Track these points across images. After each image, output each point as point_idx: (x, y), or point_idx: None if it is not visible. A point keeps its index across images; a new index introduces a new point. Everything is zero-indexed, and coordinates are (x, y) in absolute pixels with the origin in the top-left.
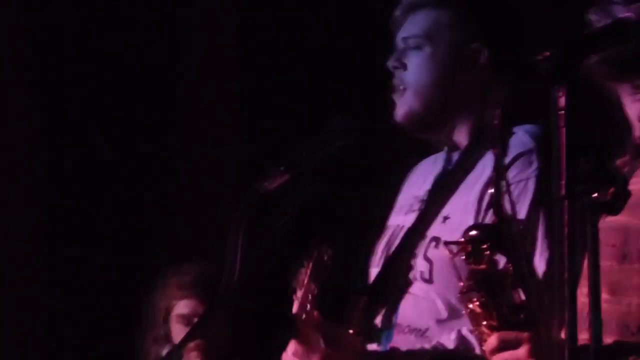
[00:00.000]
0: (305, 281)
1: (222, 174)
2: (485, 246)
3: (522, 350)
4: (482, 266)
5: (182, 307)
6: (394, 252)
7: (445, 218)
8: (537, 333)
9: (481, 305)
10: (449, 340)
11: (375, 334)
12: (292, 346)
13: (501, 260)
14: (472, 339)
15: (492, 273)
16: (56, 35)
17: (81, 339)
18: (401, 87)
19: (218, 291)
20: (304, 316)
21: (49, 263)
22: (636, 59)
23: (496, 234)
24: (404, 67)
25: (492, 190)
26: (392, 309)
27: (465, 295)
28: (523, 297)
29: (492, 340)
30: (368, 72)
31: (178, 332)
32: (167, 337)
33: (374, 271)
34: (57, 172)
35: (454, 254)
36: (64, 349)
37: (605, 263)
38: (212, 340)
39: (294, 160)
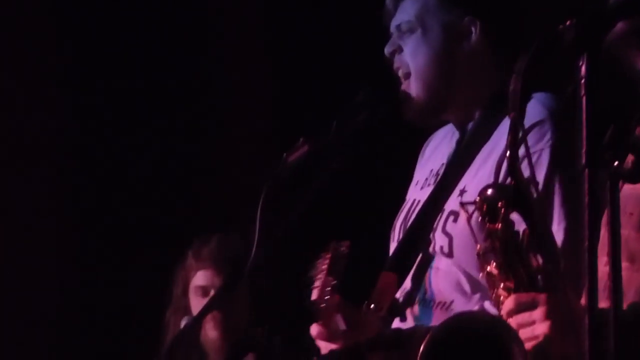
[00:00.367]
0: (325, 272)
1: (250, 147)
2: (500, 204)
3: (539, 312)
4: (498, 226)
5: (199, 278)
6: (411, 226)
7: (462, 191)
8: (554, 295)
9: (498, 267)
10: None
11: (397, 310)
12: (314, 329)
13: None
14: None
15: (509, 233)
16: (85, 26)
17: (112, 314)
18: (402, 72)
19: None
20: (323, 303)
21: (78, 238)
22: None
23: (512, 193)
24: (400, 50)
25: (508, 154)
26: (415, 283)
27: (482, 257)
28: (540, 260)
29: (509, 302)
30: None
31: (196, 304)
32: (187, 309)
33: (392, 246)
34: (83, 150)
35: (469, 215)
36: (95, 324)
37: (623, 231)
38: (231, 313)
39: (320, 132)
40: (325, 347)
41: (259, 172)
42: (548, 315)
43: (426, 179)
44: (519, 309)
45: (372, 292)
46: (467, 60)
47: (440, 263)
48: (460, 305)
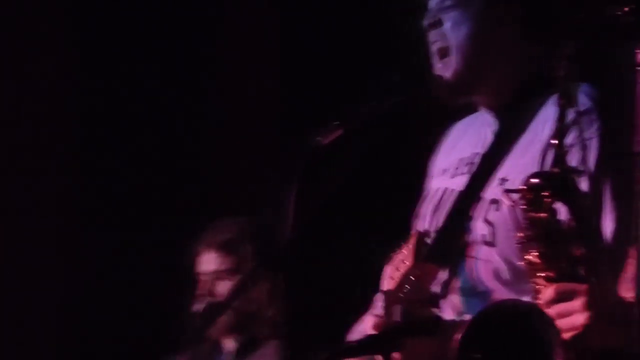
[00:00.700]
0: (408, 262)
1: (261, 130)
2: (546, 194)
3: (578, 302)
4: (543, 214)
5: (203, 262)
6: (449, 215)
7: (503, 180)
8: (595, 286)
9: (540, 256)
10: None
11: (435, 300)
12: (370, 320)
13: (563, 214)
14: None
15: (553, 222)
16: (86, 23)
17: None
18: (442, 47)
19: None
20: (402, 293)
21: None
22: None
23: (558, 182)
24: (440, 23)
25: (555, 142)
26: (454, 273)
27: (523, 245)
28: (582, 250)
29: (549, 292)
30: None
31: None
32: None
33: None
34: (91, 132)
35: (514, 203)
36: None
37: None
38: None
39: (350, 115)
40: None
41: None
42: (588, 307)
43: (456, 168)
44: (559, 298)
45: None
46: (505, 42)
47: (481, 252)
48: (501, 294)
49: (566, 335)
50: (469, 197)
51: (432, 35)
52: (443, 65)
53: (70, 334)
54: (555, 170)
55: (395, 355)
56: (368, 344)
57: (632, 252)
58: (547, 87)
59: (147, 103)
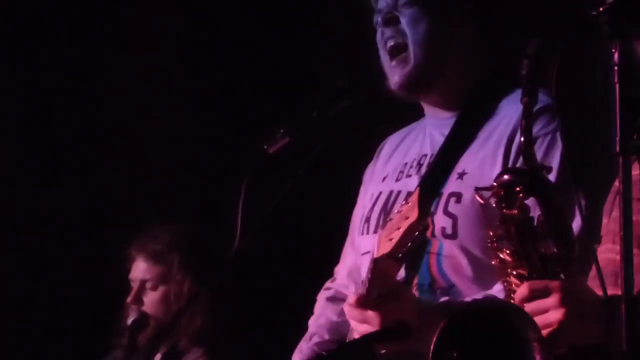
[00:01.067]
0: (412, 218)
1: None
2: (518, 190)
3: (553, 299)
4: (514, 211)
5: (134, 269)
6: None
7: (461, 174)
8: (568, 282)
9: (512, 254)
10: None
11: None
12: (353, 296)
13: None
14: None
15: (525, 219)
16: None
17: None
18: (397, 45)
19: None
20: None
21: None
22: None
23: (529, 178)
24: (397, 20)
25: (523, 140)
26: (411, 269)
27: (495, 244)
28: (553, 247)
29: (523, 290)
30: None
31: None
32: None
33: (366, 238)
34: None
35: (485, 200)
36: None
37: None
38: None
39: (296, 121)
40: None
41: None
42: (562, 303)
43: (401, 172)
44: (532, 296)
45: (367, 279)
46: (463, 40)
47: (440, 247)
48: (462, 289)
49: (542, 333)
50: (428, 194)
51: (387, 32)
52: (398, 62)
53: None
54: (526, 167)
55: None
56: (342, 353)
57: (596, 249)
58: (504, 83)
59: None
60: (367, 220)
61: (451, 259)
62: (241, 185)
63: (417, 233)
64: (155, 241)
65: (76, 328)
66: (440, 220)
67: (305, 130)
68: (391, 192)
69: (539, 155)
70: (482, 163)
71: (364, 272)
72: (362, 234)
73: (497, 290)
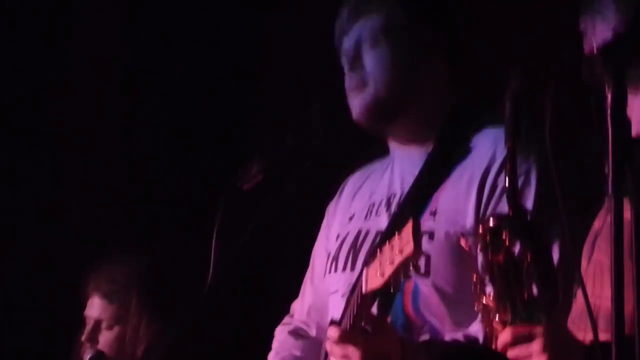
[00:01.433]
0: (406, 252)
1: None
2: (504, 236)
3: (536, 345)
4: (500, 257)
5: (89, 306)
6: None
7: (434, 212)
8: (551, 328)
9: (495, 298)
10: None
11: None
12: (336, 329)
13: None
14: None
15: (509, 264)
16: None
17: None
18: (358, 84)
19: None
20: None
21: None
22: None
23: (515, 224)
24: (361, 66)
25: (507, 183)
26: (384, 308)
27: (478, 288)
28: (536, 291)
29: (506, 335)
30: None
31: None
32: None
33: (336, 277)
34: None
35: (469, 245)
36: None
37: (604, 258)
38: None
39: (269, 156)
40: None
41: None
42: (545, 349)
43: (369, 211)
44: (516, 341)
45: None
46: (428, 74)
47: (415, 285)
48: (437, 328)
49: None
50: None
51: (352, 77)
52: (360, 94)
53: None
54: (510, 210)
55: None
56: None
57: (578, 290)
58: (476, 117)
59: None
60: (335, 259)
61: (425, 298)
62: (214, 222)
63: (411, 267)
64: (113, 279)
65: None
66: None
67: (277, 168)
68: (360, 231)
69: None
70: (456, 202)
71: (332, 310)
72: (329, 272)
73: (475, 330)
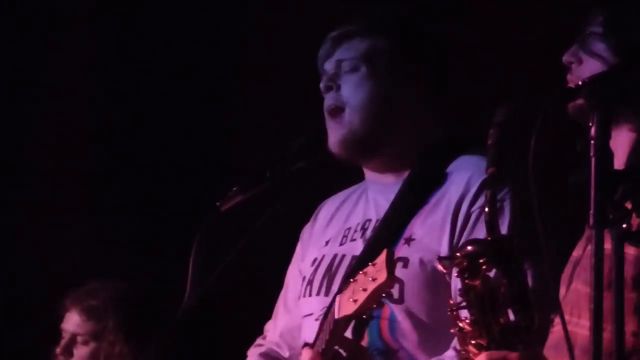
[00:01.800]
0: (380, 279)
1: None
2: (481, 261)
3: None
4: (476, 282)
5: (66, 320)
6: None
7: (408, 240)
8: (526, 354)
9: (471, 323)
10: None
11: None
12: (308, 353)
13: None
14: None
15: (486, 290)
16: None
17: None
18: (335, 107)
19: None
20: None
21: None
22: None
23: (493, 249)
24: (338, 87)
25: (487, 209)
26: (357, 334)
27: (454, 313)
28: (512, 316)
29: (481, 359)
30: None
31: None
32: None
33: (311, 300)
34: None
35: (446, 270)
36: None
37: (587, 289)
38: None
39: (250, 180)
40: None
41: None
42: None
43: (344, 236)
44: None
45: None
46: (407, 106)
47: (386, 311)
48: (410, 354)
49: None
50: (372, 258)
51: (328, 98)
52: (335, 123)
53: None
54: (489, 237)
55: None
56: None
57: (555, 318)
58: (452, 146)
59: None
60: (310, 283)
61: (399, 324)
62: (193, 243)
63: (383, 295)
64: (92, 297)
65: None
66: None
67: (259, 190)
68: (335, 256)
69: (482, 224)
70: (431, 229)
71: (306, 334)
72: (304, 296)
73: (449, 356)
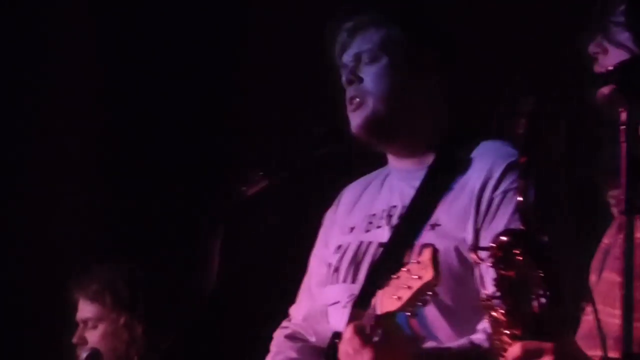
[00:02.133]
0: (426, 278)
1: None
2: (516, 252)
3: None
4: (511, 272)
5: (78, 309)
6: (376, 265)
7: (434, 225)
8: (561, 344)
9: (506, 313)
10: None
11: None
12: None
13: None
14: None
15: (521, 280)
16: None
17: None
18: (358, 100)
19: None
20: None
21: None
22: None
23: (528, 240)
24: (360, 80)
25: (520, 199)
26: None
27: (488, 303)
28: (547, 307)
29: (516, 349)
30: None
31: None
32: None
33: (339, 288)
34: None
35: (480, 260)
36: None
37: (618, 278)
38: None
39: (274, 165)
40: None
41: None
42: None
43: (370, 223)
44: (525, 356)
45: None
46: (425, 95)
47: None
48: (437, 340)
49: None
50: (398, 245)
51: (350, 91)
52: (360, 112)
53: None
54: (524, 228)
55: None
56: None
57: (587, 307)
58: (475, 132)
59: None
60: (336, 270)
61: (426, 310)
62: (218, 227)
63: (429, 293)
64: (92, 281)
65: None
66: None
67: (284, 175)
68: (361, 243)
69: (507, 209)
70: (455, 216)
71: (334, 321)
72: (330, 283)
73: (477, 337)
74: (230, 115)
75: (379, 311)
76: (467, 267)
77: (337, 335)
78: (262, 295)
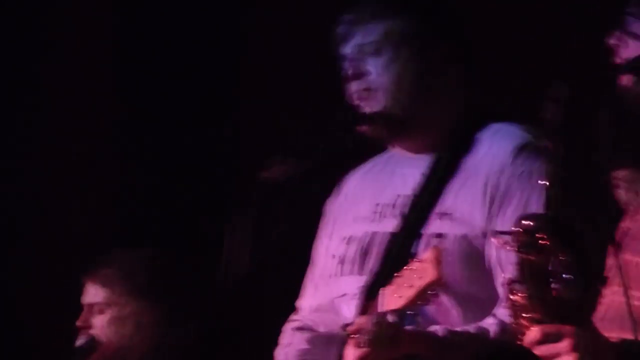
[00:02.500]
0: (429, 278)
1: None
2: (538, 236)
3: (564, 344)
4: (532, 256)
5: (85, 293)
6: (386, 255)
7: (442, 214)
8: (581, 328)
9: (526, 297)
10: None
11: None
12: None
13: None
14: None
15: (542, 264)
16: None
17: None
18: (364, 91)
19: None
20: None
21: None
22: None
23: (552, 224)
24: (365, 72)
25: (547, 184)
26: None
27: (509, 286)
28: (567, 291)
29: (535, 333)
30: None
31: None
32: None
33: (346, 279)
34: None
35: (503, 244)
36: None
37: (637, 259)
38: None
39: (298, 151)
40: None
41: None
42: (574, 348)
43: (379, 212)
44: (545, 339)
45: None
46: (434, 84)
47: None
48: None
49: None
50: (407, 236)
51: (354, 84)
52: (366, 102)
53: None
54: (548, 211)
55: None
56: None
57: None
58: (482, 119)
59: None
60: (342, 262)
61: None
62: (241, 213)
63: (430, 292)
64: (105, 266)
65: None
66: None
67: (305, 164)
68: (366, 233)
69: (522, 193)
70: (465, 202)
71: (344, 313)
72: (337, 275)
73: (489, 322)
74: (250, 102)
75: (379, 309)
76: (478, 253)
77: (347, 326)
78: (269, 287)
